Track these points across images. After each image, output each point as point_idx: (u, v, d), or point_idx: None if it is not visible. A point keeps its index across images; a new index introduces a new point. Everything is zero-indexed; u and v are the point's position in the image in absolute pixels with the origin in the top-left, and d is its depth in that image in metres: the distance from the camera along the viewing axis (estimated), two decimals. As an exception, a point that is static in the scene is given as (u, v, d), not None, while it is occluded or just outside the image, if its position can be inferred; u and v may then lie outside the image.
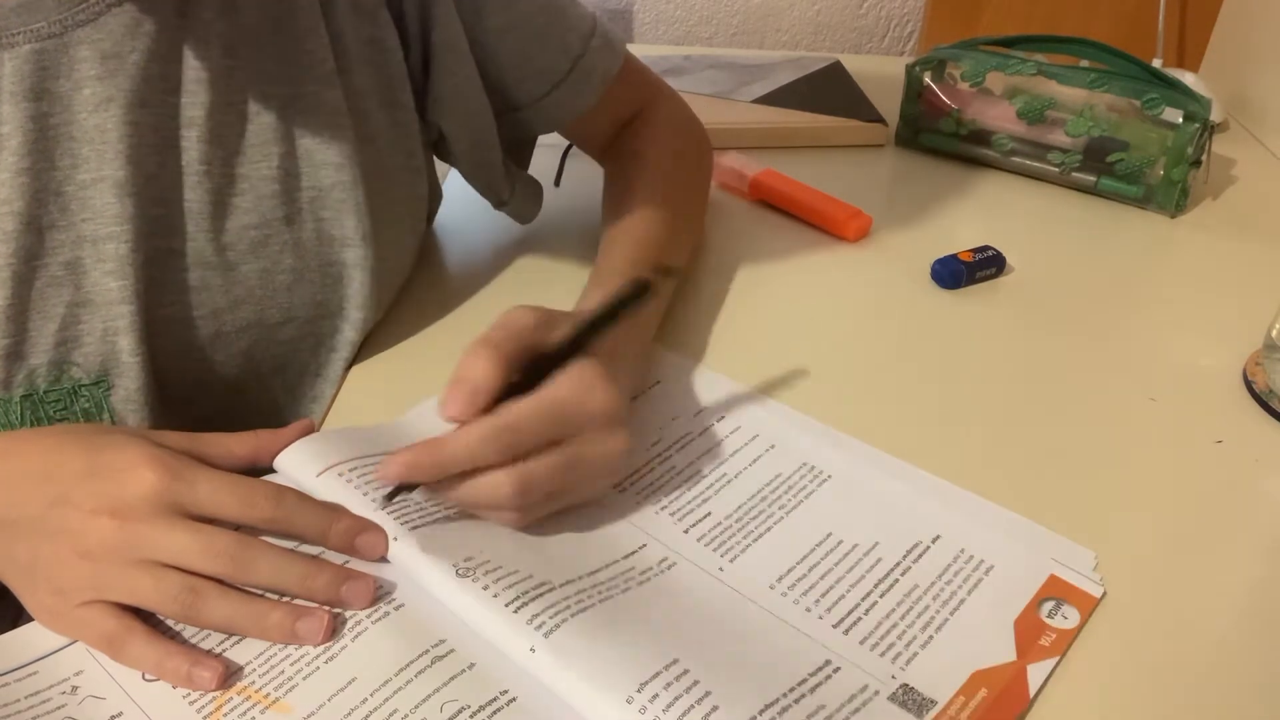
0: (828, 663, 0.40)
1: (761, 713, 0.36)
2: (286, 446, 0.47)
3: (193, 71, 0.50)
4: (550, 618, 0.39)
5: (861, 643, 0.41)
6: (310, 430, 0.49)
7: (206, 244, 0.52)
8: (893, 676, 0.40)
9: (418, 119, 0.60)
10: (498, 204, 0.68)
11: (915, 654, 0.41)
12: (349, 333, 0.58)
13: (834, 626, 0.42)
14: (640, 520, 0.47)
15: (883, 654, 0.41)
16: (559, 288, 0.67)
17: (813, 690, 0.38)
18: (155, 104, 0.49)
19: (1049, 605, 0.43)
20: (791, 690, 0.38)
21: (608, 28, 0.66)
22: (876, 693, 0.39)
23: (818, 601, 0.43)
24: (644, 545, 0.45)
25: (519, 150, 0.70)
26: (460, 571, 0.41)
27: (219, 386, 0.55)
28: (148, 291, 0.50)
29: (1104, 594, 0.45)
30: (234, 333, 0.54)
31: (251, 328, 0.54)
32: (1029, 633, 0.42)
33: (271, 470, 0.47)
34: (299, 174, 0.54)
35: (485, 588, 0.40)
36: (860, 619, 0.42)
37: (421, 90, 0.59)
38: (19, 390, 0.49)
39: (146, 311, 0.50)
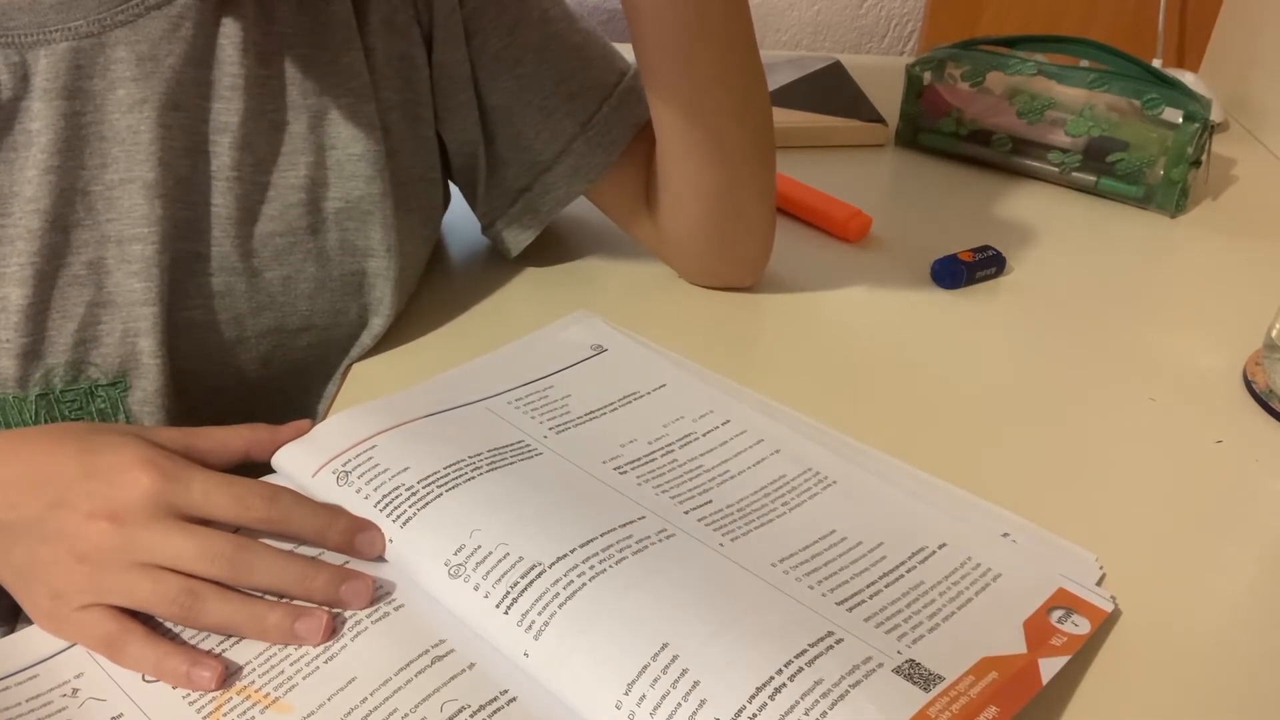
0: (830, 634, 0.39)
1: (752, 699, 0.36)
2: (283, 445, 0.47)
3: (228, 78, 0.50)
4: (539, 614, 0.39)
5: (867, 620, 0.40)
6: (307, 430, 0.49)
7: (232, 249, 0.52)
8: (899, 652, 0.39)
9: (436, 133, 0.60)
10: (483, 228, 0.68)
11: (922, 636, 0.40)
12: (365, 340, 0.59)
13: (838, 604, 0.41)
14: (639, 496, 0.47)
15: (889, 631, 0.40)
16: (561, 288, 0.67)
17: (811, 663, 0.37)
18: (188, 108, 0.50)
19: (1059, 613, 0.43)
20: (788, 664, 0.37)
21: (634, 84, 0.63)
22: (880, 665, 0.38)
23: (821, 582, 0.42)
24: (642, 517, 0.45)
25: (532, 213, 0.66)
26: (452, 572, 0.41)
27: (236, 390, 0.55)
28: (171, 294, 0.51)
29: (1114, 609, 0.44)
30: (254, 338, 0.54)
31: (272, 333, 0.55)
32: (1039, 633, 0.41)
33: (269, 468, 0.47)
34: (327, 184, 0.54)
35: (476, 587, 0.40)
36: (865, 601, 0.42)
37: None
38: (35, 389, 0.49)
39: (169, 313, 0.51)
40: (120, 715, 0.38)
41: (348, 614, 0.41)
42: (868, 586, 0.43)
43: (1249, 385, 0.59)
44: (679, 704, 0.36)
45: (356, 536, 0.43)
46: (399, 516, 0.43)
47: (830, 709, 0.36)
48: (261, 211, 0.53)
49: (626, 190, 0.64)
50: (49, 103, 0.47)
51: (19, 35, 0.46)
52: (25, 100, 0.47)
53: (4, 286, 0.48)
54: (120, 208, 0.49)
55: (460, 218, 0.70)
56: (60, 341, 0.49)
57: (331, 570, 0.42)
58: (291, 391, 0.58)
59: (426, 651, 0.40)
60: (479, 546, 0.42)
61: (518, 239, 0.66)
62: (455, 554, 0.42)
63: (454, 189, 0.67)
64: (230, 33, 0.50)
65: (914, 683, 0.37)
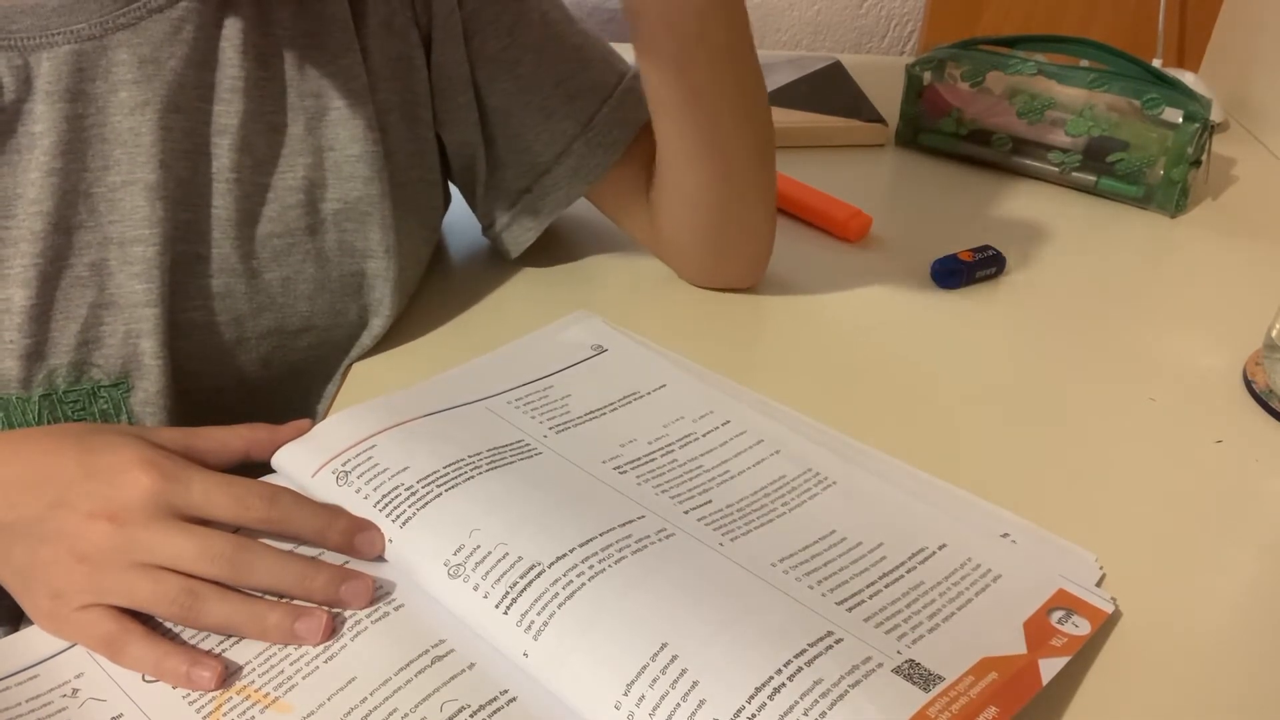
0: (829, 633, 0.39)
1: (751, 699, 0.36)
2: (283, 445, 0.47)
3: (228, 80, 0.51)
4: (539, 614, 0.39)
5: (866, 620, 0.40)
6: (307, 430, 0.49)
7: (231, 251, 0.52)
8: (898, 652, 0.39)
9: (435, 134, 0.60)
10: (483, 229, 0.68)
11: (922, 636, 0.40)
12: (365, 340, 0.59)
13: (838, 604, 0.41)
14: (639, 496, 0.47)
15: (888, 631, 0.40)
16: (561, 288, 0.67)
17: (810, 663, 0.37)
18: (189, 110, 0.50)
19: (1059, 614, 0.43)
20: (787, 664, 0.37)
21: (634, 85, 0.63)
22: (880, 665, 0.38)
23: (821, 581, 0.42)
24: (642, 516, 0.45)
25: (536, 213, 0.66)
26: (451, 572, 0.41)
27: (237, 390, 0.55)
28: (173, 295, 0.51)
29: (1114, 610, 0.44)
30: (255, 339, 0.54)
31: (272, 334, 0.55)
32: (1039, 634, 0.41)
33: (269, 468, 0.47)
34: (325, 185, 0.54)
35: (475, 587, 0.40)
36: (865, 601, 0.42)
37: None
38: (38, 390, 0.49)
39: (170, 315, 0.51)
40: (120, 715, 0.38)
41: (348, 614, 0.41)
42: (867, 587, 0.43)
43: (1249, 385, 0.59)
44: (678, 704, 0.36)
45: (356, 536, 0.43)
46: (398, 516, 0.43)
47: (830, 709, 0.36)
48: (261, 213, 0.53)
49: (627, 191, 0.64)
50: (51, 105, 0.47)
51: (21, 38, 0.46)
52: (28, 103, 0.47)
53: (7, 288, 0.48)
54: (122, 209, 0.49)
55: (460, 218, 0.70)
56: (63, 342, 0.49)
57: (331, 570, 0.42)
58: (292, 392, 0.58)
59: (426, 651, 0.40)
60: (478, 546, 0.42)
61: (518, 240, 0.66)
62: (455, 554, 0.42)
63: (454, 190, 0.67)
64: (230, 35, 0.51)
65: (914, 683, 0.37)
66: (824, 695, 0.36)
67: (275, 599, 0.41)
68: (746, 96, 0.58)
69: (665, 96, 0.57)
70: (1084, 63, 0.82)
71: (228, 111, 0.51)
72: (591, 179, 0.63)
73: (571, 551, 0.42)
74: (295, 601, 0.41)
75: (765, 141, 0.61)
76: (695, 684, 0.36)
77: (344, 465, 0.46)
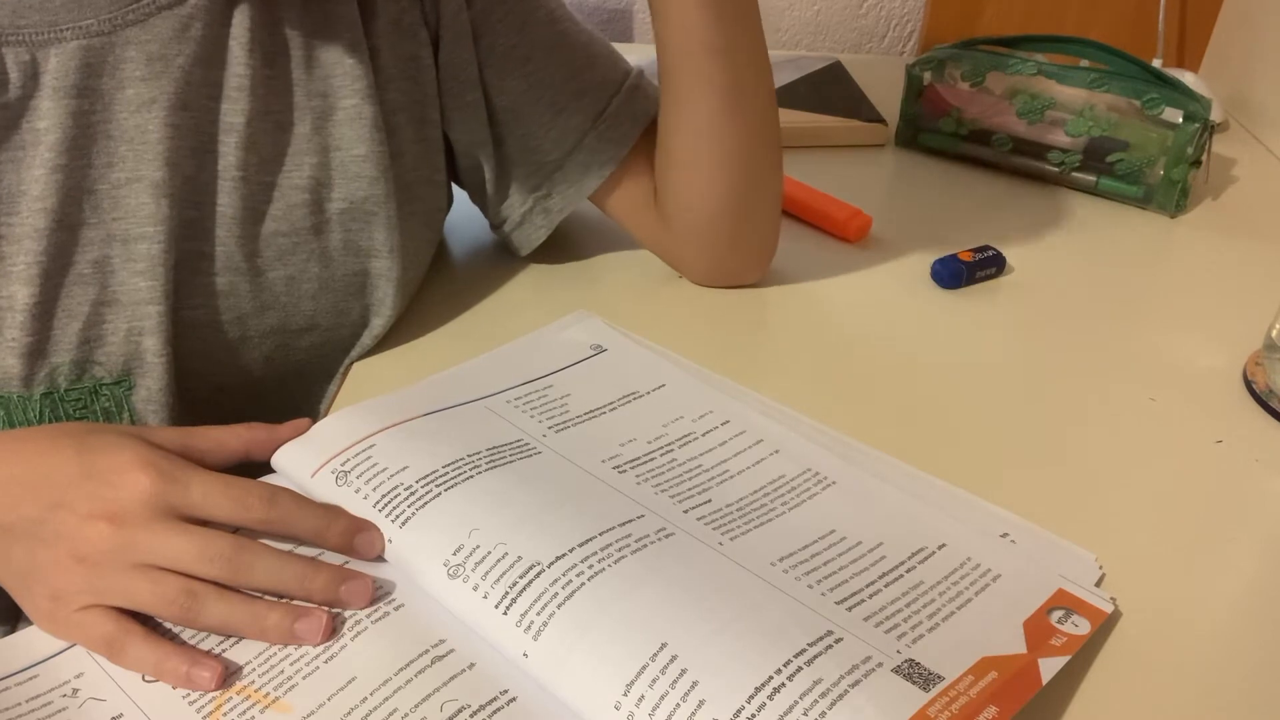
0: (829, 633, 0.39)
1: (750, 698, 0.36)
2: (282, 444, 0.47)
3: (235, 79, 0.51)
4: (538, 614, 0.39)
5: (866, 619, 0.40)
6: (306, 430, 0.49)
7: (236, 249, 0.52)
8: (898, 651, 0.39)
9: (442, 134, 0.60)
10: (492, 226, 0.68)
11: (922, 635, 0.40)
12: (367, 340, 0.59)
13: (838, 603, 0.41)
14: (638, 495, 0.47)
15: (888, 631, 0.40)
16: (561, 288, 0.67)
17: (810, 662, 0.37)
18: (196, 108, 0.50)
19: (1058, 613, 0.43)
20: (787, 664, 0.37)
21: (639, 82, 0.64)
22: (880, 665, 0.38)
23: (821, 581, 0.42)
24: (641, 516, 0.45)
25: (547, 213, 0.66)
26: (451, 572, 0.41)
27: (239, 389, 0.55)
28: (176, 293, 0.51)
29: (1114, 610, 0.44)
30: (258, 337, 0.54)
31: (275, 333, 0.55)
32: (1039, 633, 0.41)
33: (268, 467, 0.47)
34: (331, 185, 0.54)
35: (475, 587, 0.40)
36: (864, 600, 0.42)
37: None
38: (39, 388, 0.49)
39: (174, 313, 0.51)
40: (120, 715, 0.38)
41: (347, 614, 0.41)
42: (867, 586, 0.43)
43: (1249, 385, 0.59)
44: (678, 704, 0.36)
45: (355, 537, 0.43)
46: (398, 516, 0.43)
47: (829, 709, 0.36)
48: (266, 212, 0.53)
49: (634, 188, 0.64)
50: (58, 101, 0.47)
51: (30, 34, 0.47)
52: (34, 99, 0.47)
53: (10, 285, 0.48)
54: (126, 207, 0.49)
55: (462, 217, 0.70)
56: (65, 340, 0.49)
57: (331, 570, 0.42)
58: (294, 391, 0.58)
59: (426, 651, 0.40)
60: (478, 546, 0.42)
61: (530, 238, 0.66)
62: (454, 554, 0.42)
63: (456, 191, 0.67)
64: (238, 33, 0.51)
65: (913, 682, 0.37)
66: (824, 695, 0.36)
67: (275, 599, 0.41)
68: (766, 81, 0.59)
69: (707, 83, 0.57)
70: (1084, 63, 0.82)
71: (234, 110, 0.51)
72: (603, 173, 0.63)
73: (571, 551, 0.42)
74: (295, 602, 0.41)
75: (774, 119, 0.61)
76: (695, 684, 0.36)
77: (343, 465, 0.46)
